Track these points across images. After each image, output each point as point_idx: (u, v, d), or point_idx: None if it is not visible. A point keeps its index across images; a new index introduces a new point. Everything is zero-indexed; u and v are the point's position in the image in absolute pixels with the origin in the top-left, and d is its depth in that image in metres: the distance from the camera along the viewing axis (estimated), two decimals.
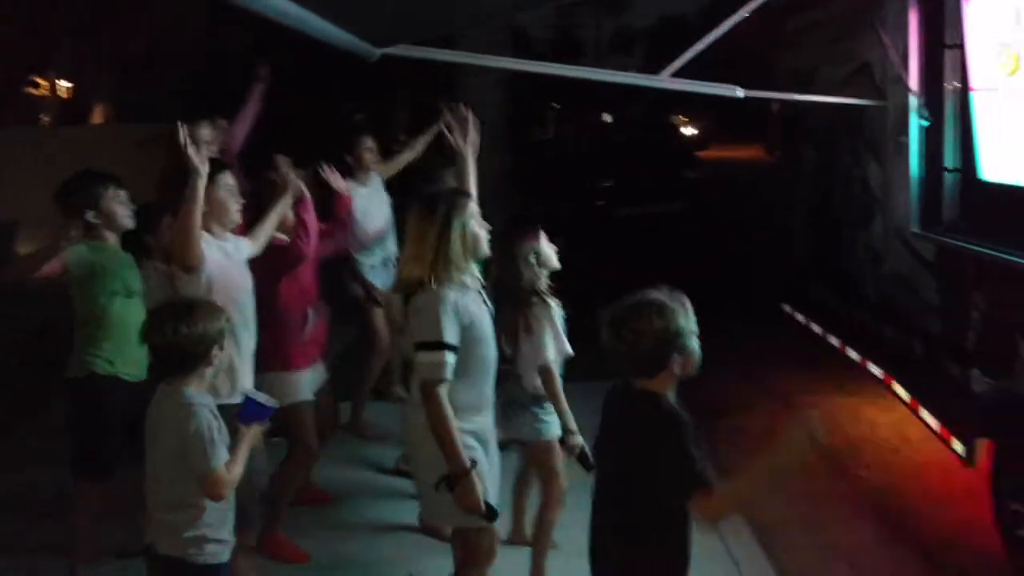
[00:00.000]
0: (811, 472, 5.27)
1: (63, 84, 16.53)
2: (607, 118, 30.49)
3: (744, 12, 4.78)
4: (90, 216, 3.83)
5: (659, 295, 2.56)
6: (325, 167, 4.69)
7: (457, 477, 2.98)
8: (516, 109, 10.53)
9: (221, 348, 2.86)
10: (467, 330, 3.03)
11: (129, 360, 3.85)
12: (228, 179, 3.66)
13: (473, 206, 3.13)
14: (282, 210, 3.98)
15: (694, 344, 2.55)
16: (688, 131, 30.25)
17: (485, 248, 3.15)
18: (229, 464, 2.74)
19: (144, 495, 3.96)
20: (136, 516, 4.04)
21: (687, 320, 2.54)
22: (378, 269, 5.73)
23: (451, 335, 2.99)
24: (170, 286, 4.02)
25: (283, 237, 4.17)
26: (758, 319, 7.30)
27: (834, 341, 6.05)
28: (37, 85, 15.99)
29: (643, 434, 2.53)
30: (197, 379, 2.80)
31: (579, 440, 3.66)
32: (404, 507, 4.62)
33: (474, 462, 3.02)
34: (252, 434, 2.86)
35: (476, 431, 3.11)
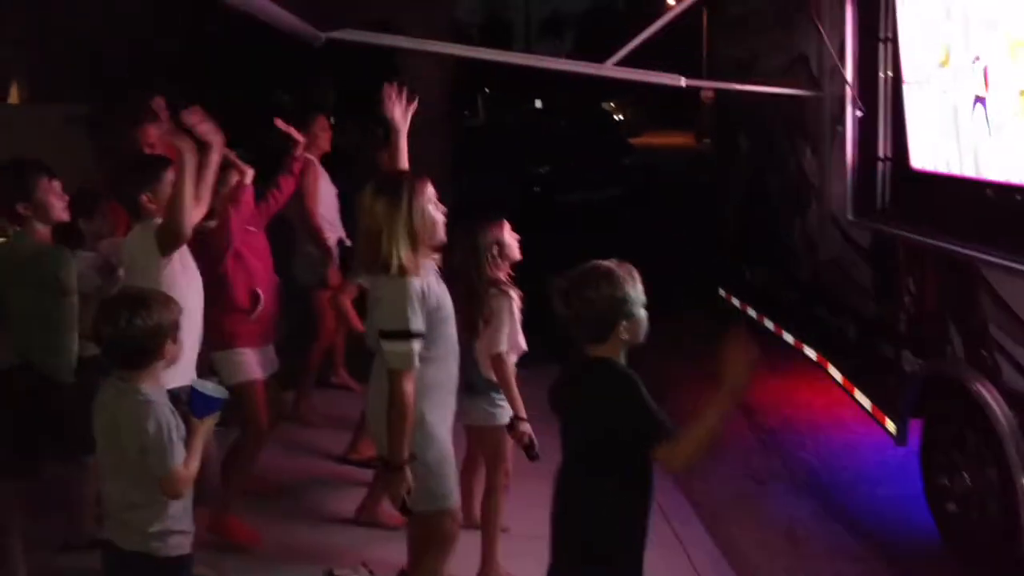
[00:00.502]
0: (749, 452, 5.46)
1: None
2: (538, 103, 30.52)
3: (691, 1, 4.86)
4: (21, 208, 3.62)
5: (607, 263, 2.65)
6: (278, 121, 4.77)
7: (391, 468, 3.02)
8: (451, 95, 10.49)
9: (174, 341, 2.80)
10: (434, 312, 3.05)
11: (53, 359, 3.67)
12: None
13: (431, 190, 3.12)
14: (209, 170, 3.80)
15: (641, 313, 2.64)
16: (619, 118, 30.59)
17: (442, 233, 3.15)
18: (186, 461, 2.70)
19: (70, 488, 3.96)
20: (68, 509, 4.04)
21: (634, 288, 2.63)
22: (327, 255, 5.73)
23: (417, 323, 2.99)
24: (100, 276, 3.96)
25: (210, 224, 4.15)
26: (695, 304, 7.45)
27: (769, 325, 6.21)
28: None
29: (600, 398, 2.60)
30: (151, 374, 2.73)
31: (527, 428, 3.73)
32: (353, 495, 4.60)
33: (412, 456, 3.03)
34: (206, 427, 2.81)
35: (447, 410, 3.17)
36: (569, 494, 2.71)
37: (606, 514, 2.62)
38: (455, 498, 3.21)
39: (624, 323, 2.60)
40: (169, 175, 3.61)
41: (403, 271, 3.00)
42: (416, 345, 2.99)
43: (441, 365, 3.13)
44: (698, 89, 7.43)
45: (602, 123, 17.77)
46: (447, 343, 3.14)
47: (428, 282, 3.06)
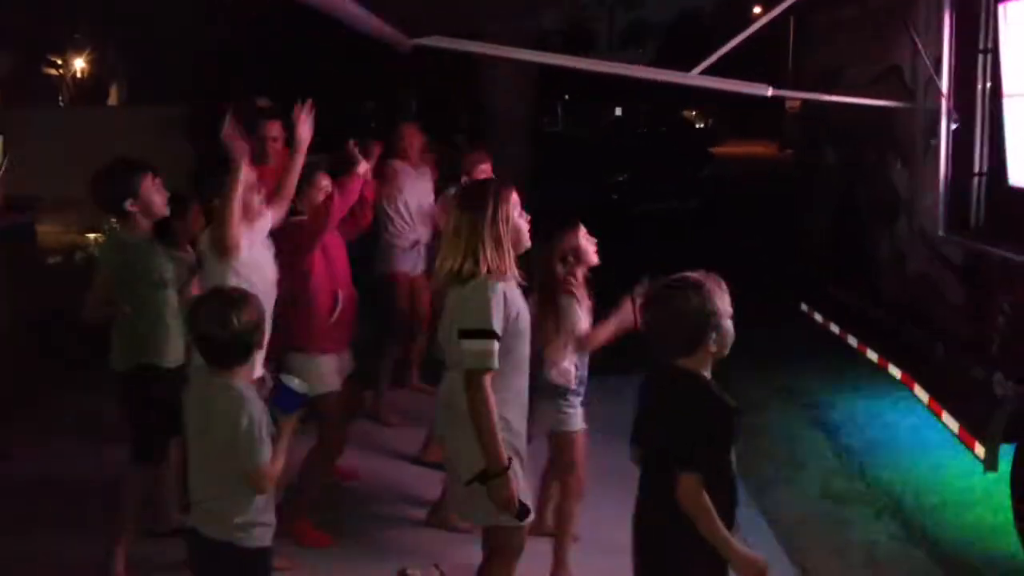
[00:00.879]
0: (829, 472, 5.32)
1: (80, 65, 16.53)
2: (618, 112, 30.33)
3: (779, 9, 4.78)
4: (128, 204, 3.82)
5: (697, 275, 2.64)
6: (351, 143, 4.70)
7: (494, 473, 2.96)
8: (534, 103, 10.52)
9: (261, 343, 2.89)
10: (511, 322, 3.01)
11: (166, 349, 3.89)
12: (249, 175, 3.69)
13: (516, 197, 3.12)
14: (295, 168, 4.02)
15: (729, 325, 2.63)
16: (700, 126, 30.32)
17: (527, 239, 3.14)
18: (273, 458, 2.76)
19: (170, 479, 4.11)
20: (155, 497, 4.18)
21: (723, 301, 2.63)
22: (408, 252, 5.87)
23: (498, 324, 2.96)
24: (188, 272, 4.10)
25: (303, 218, 4.24)
26: (775, 318, 7.31)
27: (852, 342, 6.05)
28: (54, 65, 16.03)
29: (682, 410, 2.60)
30: (243, 370, 2.81)
31: None
32: (426, 496, 4.66)
33: (510, 459, 3.00)
34: (291, 424, 2.88)
35: (509, 424, 3.09)
36: (653, 501, 2.70)
37: (692, 525, 2.57)
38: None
39: (713, 336, 2.59)
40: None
41: (488, 274, 2.99)
42: (495, 346, 2.95)
43: (509, 379, 3.06)
44: (782, 99, 7.29)
45: (682, 132, 17.59)
46: (517, 358, 3.09)
47: (512, 292, 3.05)
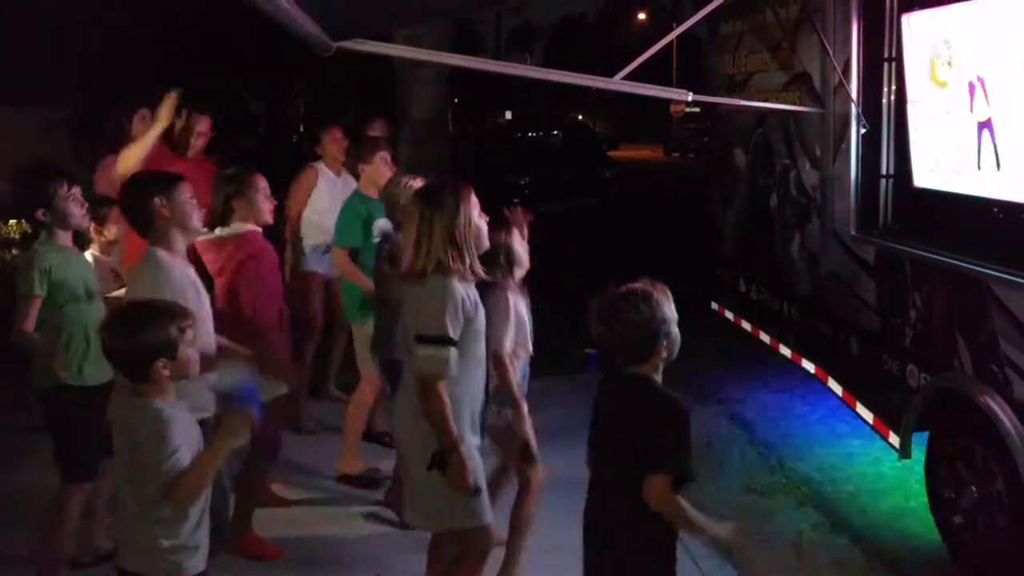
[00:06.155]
0: (750, 466, 5.48)
1: None
2: (508, 115, 30.45)
3: (697, 17, 4.91)
4: (41, 215, 3.58)
5: (644, 285, 2.72)
6: None
7: (448, 451, 2.95)
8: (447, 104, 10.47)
9: (174, 357, 2.60)
10: (468, 324, 3.02)
11: (93, 364, 3.64)
12: (187, 190, 3.46)
13: (474, 197, 3.13)
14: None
15: (676, 331, 2.72)
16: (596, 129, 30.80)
17: (487, 240, 3.16)
18: (196, 468, 2.55)
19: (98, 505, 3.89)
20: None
21: (671, 308, 2.72)
22: (319, 254, 5.74)
23: (455, 330, 2.96)
24: (108, 277, 3.91)
25: (254, 228, 4.14)
26: (684, 316, 7.48)
27: (765, 338, 6.25)
28: None
29: (639, 414, 2.65)
30: (159, 388, 2.59)
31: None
32: (354, 506, 4.60)
33: (461, 438, 3.01)
34: (227, 442, 2.62)
35: (472, 428, 3.11)
36: (607, 507, 2.73)
37: (647, 527, 2.63)
38: (490, 515, 3.17)
39: (664, 343, 2.68)
40: (184, 189, 3.44)
41: (445, 275, 2.99)
42: (452, 353, 2.94)
43: (465, 382, 3.06)
44: (667, 103, 7.47)
45: (581, 136, 17.84)
46: (474, 360, 3.10)
47: (470, 292, 3.05)
